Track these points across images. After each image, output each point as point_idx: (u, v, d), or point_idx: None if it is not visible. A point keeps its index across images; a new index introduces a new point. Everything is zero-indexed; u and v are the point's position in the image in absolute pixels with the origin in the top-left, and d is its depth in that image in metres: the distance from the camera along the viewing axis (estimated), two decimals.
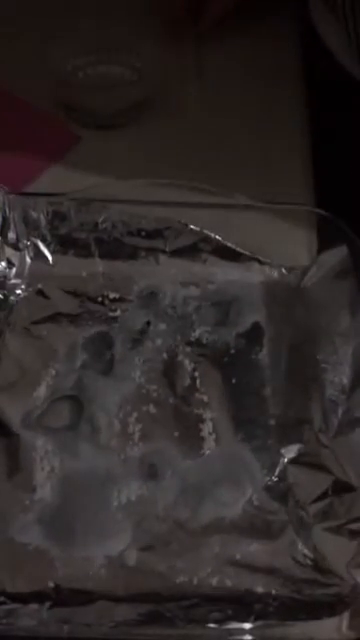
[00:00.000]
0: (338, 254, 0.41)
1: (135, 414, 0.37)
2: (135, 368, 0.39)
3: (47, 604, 0.31)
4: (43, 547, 0.33)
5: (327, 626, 0.31)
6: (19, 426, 0.36)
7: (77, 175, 0.47)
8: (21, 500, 0.34)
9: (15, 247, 0.42)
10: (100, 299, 0.41)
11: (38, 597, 0.31)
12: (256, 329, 0.41)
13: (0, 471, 0.35)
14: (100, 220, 0.42)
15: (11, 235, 0.41)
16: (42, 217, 0.42)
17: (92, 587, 0.32)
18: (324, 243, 0.42)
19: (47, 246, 0.42)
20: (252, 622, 0.30)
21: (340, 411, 0.37)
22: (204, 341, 0.40)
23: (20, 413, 0.37)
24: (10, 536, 0.33)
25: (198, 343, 0.40)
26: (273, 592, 0.32)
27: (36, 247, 0.42)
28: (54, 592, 0.32)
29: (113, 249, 0.42)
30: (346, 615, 0.31)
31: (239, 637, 0.30)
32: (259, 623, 0.30)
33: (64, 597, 0.31)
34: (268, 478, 0.35)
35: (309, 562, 0.33)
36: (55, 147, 0.50)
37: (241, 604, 0.31)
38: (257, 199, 0.42)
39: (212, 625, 0.30)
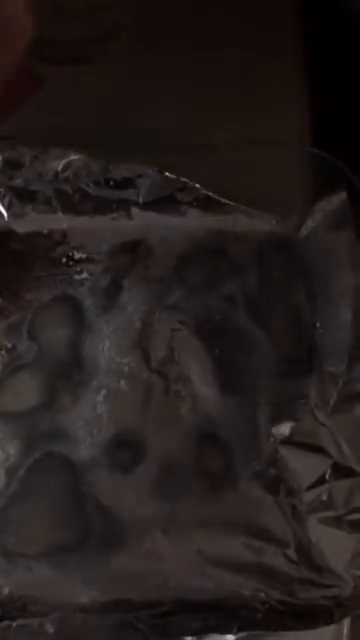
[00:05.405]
0: (336, 202, 0.36)
1: (103, 392, 0.33)
2: (104, 338, 0.35)
3: None
4: None
5: (324, 636, 0.27)
6: None
7: (41, 120, 0.42)
8: None
9: None
10: (64, 260, 0.37)
11: None
12: (243, 291, 0.36)
13: None
14: (60, 168, 0.37)
15: None
16: None
17: (48, 594, 0.28)
18: (320, 189, 0.37)
19: (0, 200, 0.37)
20: (236, 633, 0.26)
21: (340, 384, 0.33)
22: (183, 306, 0.36)
23: None
24: None
25: (177, 308, 0.36)
26: (262, 595, 0.29)
27: None
28: (8, 600, 0.28)
29: (77, 202, 0.37)
30: (347, 622, 0.28)
31: None
32: (243, 634, 0.26)
33: (16, 607, 0.28)
34: (256, 462, 0.32)
35: (303, 559, 0.30)
36: (14, 89, 0.44)
37: (224, 610, 0.28)
38: (242, 138, 0.37)
39: (190, 638, 0.26)
